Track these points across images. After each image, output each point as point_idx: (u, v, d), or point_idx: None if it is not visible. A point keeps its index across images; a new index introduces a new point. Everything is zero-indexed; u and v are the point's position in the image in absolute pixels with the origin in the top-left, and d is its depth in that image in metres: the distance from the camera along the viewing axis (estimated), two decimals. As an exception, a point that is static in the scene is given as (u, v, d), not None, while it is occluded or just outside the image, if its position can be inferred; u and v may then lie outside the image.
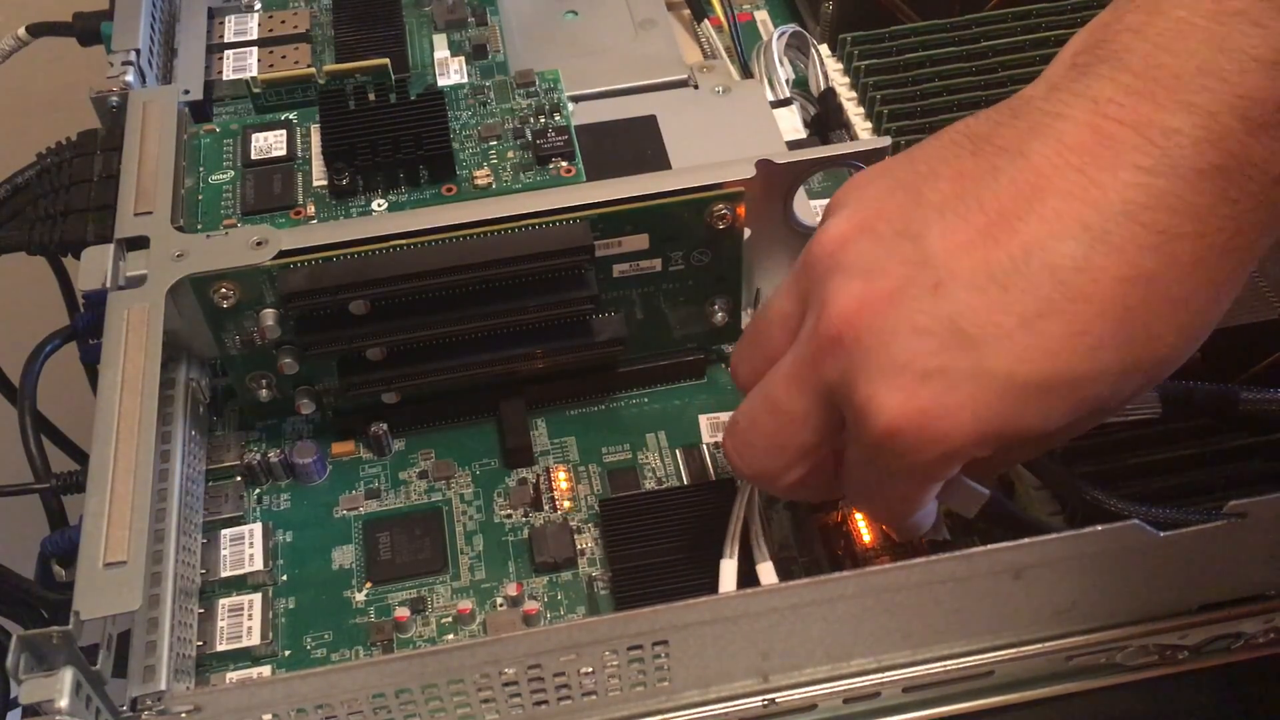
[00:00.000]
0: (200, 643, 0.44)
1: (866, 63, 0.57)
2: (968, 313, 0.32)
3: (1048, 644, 0.41)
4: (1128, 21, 0.32)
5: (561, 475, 0.49)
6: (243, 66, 0.59)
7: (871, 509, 0.41)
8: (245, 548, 0.46)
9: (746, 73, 0.62)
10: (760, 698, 0.40)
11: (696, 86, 0.57)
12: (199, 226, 0.50)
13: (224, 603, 0.45)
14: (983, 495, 0.38)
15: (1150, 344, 0.32)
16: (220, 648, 0.44)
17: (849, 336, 0.33)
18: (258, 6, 0.62)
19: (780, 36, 0.61)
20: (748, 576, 0.43)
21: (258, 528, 0.47)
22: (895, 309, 0.33)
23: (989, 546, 0.37)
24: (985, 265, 0.32)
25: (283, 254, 0.45)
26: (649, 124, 0.54)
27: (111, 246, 0.46)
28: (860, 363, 0.33)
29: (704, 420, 0.50)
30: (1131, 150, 0.31)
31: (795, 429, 0.36)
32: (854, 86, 0.58)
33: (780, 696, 0.40)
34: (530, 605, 0.44)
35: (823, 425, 0.36)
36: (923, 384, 0.32)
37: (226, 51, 0.59)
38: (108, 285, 0.45)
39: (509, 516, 0.48)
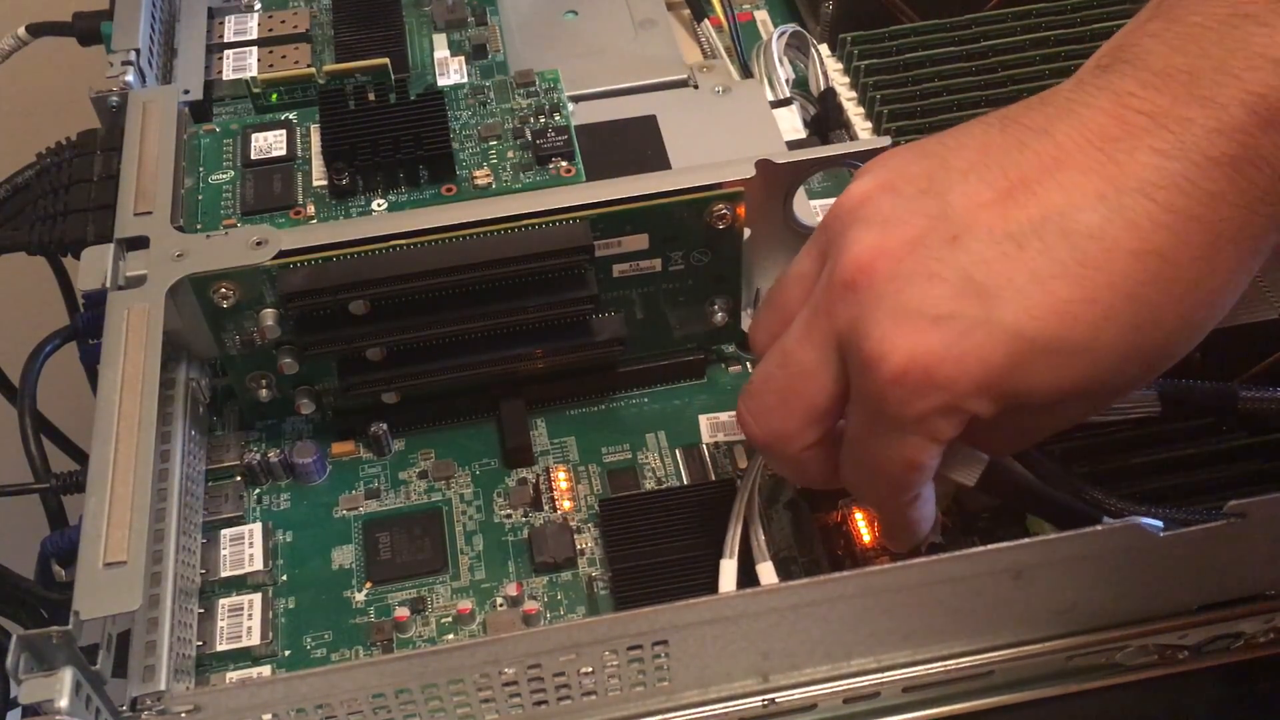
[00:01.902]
0: (200, 643, 0.44)
1: (866, 63, 0.57)
2: (982, 265, 0.33)
3: (1048, 644, 0.41)
4: (1149, 28, 0.34)
5: (561, 475, 0.49)
6: (243, 66, 0.59)
7: (873, 487, 0.39)
8: (245, 548, 0.46)
9: (746, 73, 0.62)
10: (760, 698, 0.40)
11: (696, 86, 0.57)
12: (199, 226, 0.50)
13: (224, 603, 0.45)
14: (982, 460, 0.38)
15: (1156, 327, 0.33)
16: (220, 648, 0.44)
17: (863, 282, 0.34)
18: (258, 6, 0.62)
19: (780, 36, 0.61)
20: (748, 576, 0.43)
21: (258, 528, 0.47)
22: (911, 256, 0.34)
23: (989, 546, 0.37)
24: (1003, 223, 0.33)
25: (283, 254, 0.45)
26: (649, 124, 0.54)
27: (111, 246, 0.46)
28: (872, 307, 0.34)
29: (704, 420, 0.50)
30: (1148, 135, 0.32)
31: (806, 382, 0.36)
32: (854, 86, 0.58)
33: (780, 696, 0.40)
34: (530, 605, 0.44)
35: (833, 378, 0.36)
36: (933, 327, 0.33)
37: (226, 51, 0.59)
38: (108, 285, 0.45)
39: (509, 516, 0.48)
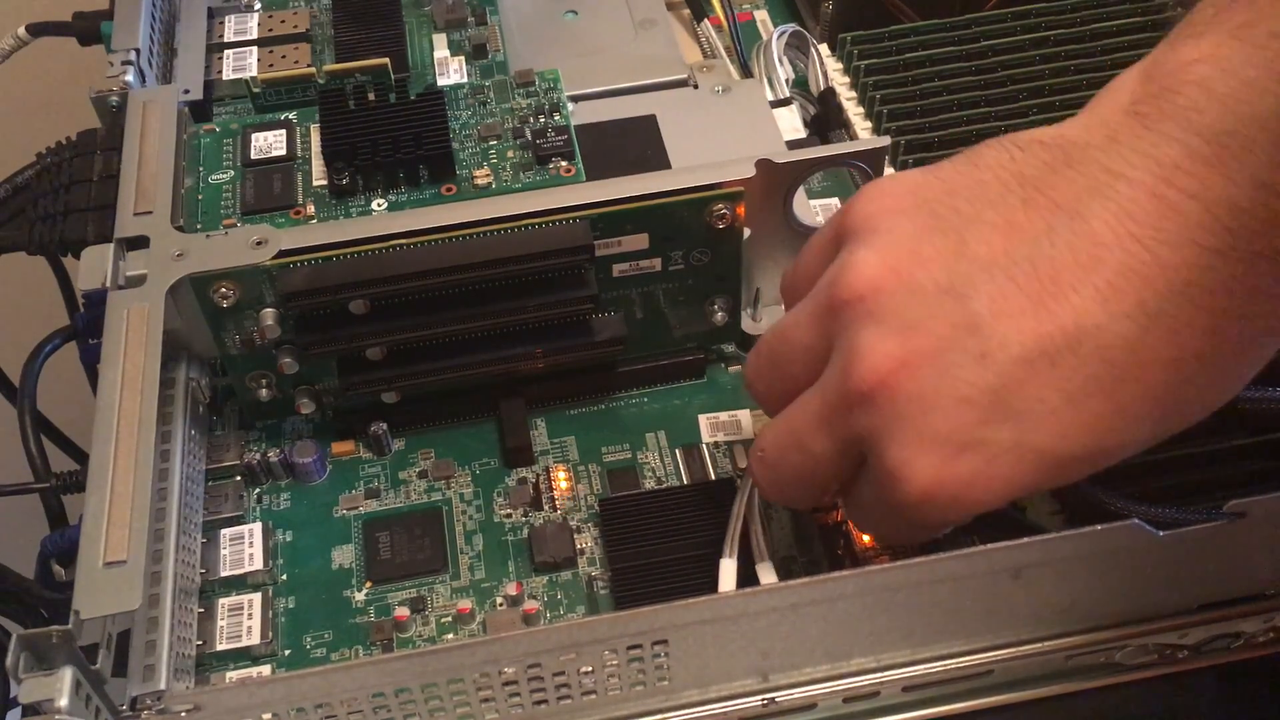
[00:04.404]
0: (200, 642, 0.44)
1: (866, 62, 0.57)
2: (1014, 386, 0.31)
3: (1047, 644, 0.41)
4: (1195, 74, 0.30)
5: (561, 475, 0.49)
6: (243, 66, 0.59)
7: (874, 534, 0.41)
8: (245, 547, 0.46)
9: (746, 72, 0.62)
10: (760, 697, 0.40)
11: (696, 86, 0.57)
12: (199, 226, 0.50)
13: (224, 602, 0.45)
14: None
15: (1183, 416, 0.32)
16: (220, 647, 0.44)
17: (883, 395, 0.32)
18: (258, 6, 0.62)
19: (780, 36, 0.61)
20: (747, 576, 0.43)
21: (258, 527, 0.47)
22: (937, 375, 0.32)
23: (989, 546, 0.37)
24: (1035, 339, 0.31)
25: (282, 254, 0.45)
26: (649, 124, 0.54)
27: (111, 246, 0.46)
28: (895, 425, 0.32)
29: (704, 420, 0.50)
30: (1196, 228, 0.29)
31: (820, 467, 0.36)
32: (854, 86, 0.58)
33: (780, 696, 0.40)
34: (530, 605, 0.44)
35: (847, 466, 0.36)
36: (960, 454, 0.32)
37: (226, 51, 0.59)
38: (108, 285, 0.45)
39: (509, 516, 0.48)
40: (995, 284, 0.31)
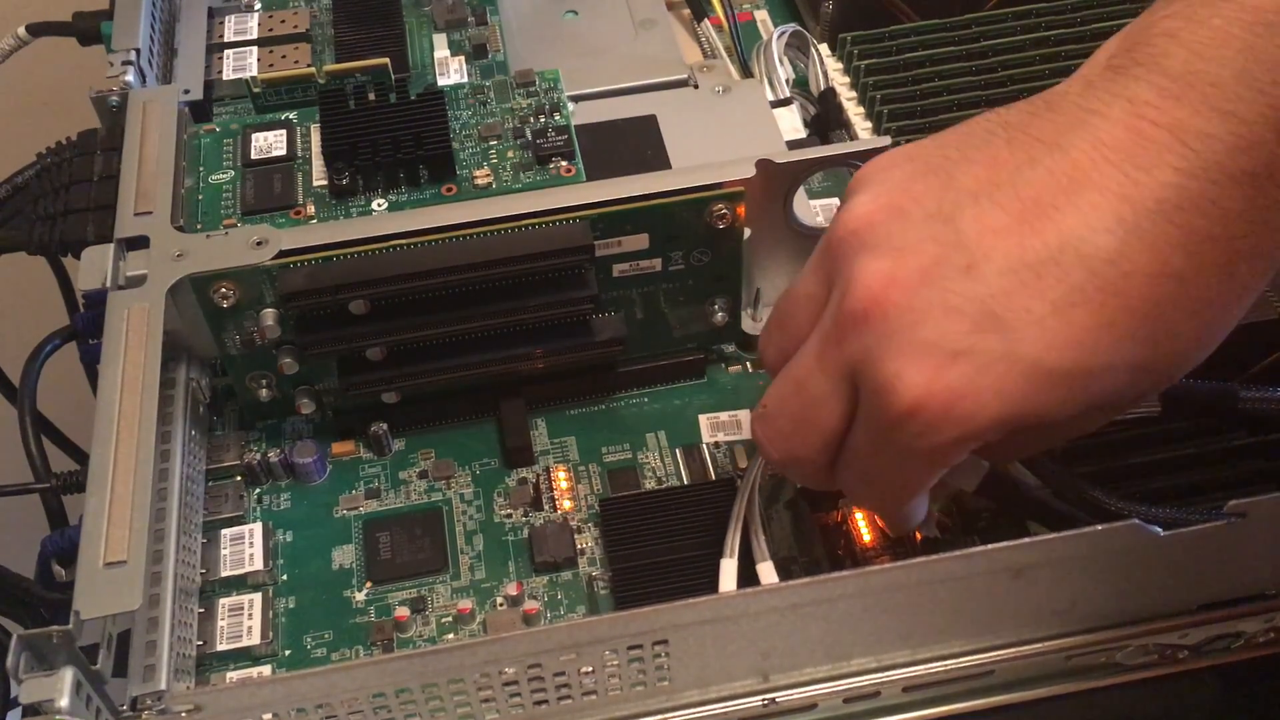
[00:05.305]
0: (200, 642, 0.44)
1: (866, 62, 0.57)
2: (1000, 296, 0.32)
3: (1048, 644, 0.41)
4: (1164, 26, 0.32)
5: (561, 475, 0.49)
6: (243, 66, 0.59)
7: (869, 494, 0.40)
8: (245, 547, 0.46)
9: (746, 72, 0.62)
10: (760, 697, 0.40)
11: (696, 86, 0.57)
12: (199, 226, 0.50)
13: (224, 602, 0.45)
14: (983, 467, 0.38)
15: (1171, 343, 0.33)
16: (220, 647, 0.44)
17: (875, 313, 0.33)
18: (258, 6, 0.62)
19: (780, 36, 0.61)
20: (748, 576, 0.43)
21: (258, 527, 0.47)
22: (926, 287, 0.33)
23: (989, 546, 0.37)
24: (1020, 251, 0.32)
25: (283, 254, 0.45)
26: (649, 124, 0.54)
27: (111, 246, 0.46)
28: (886, 339, 0.33)
29: (704, 420, 0.50)
30: (1167, 152, 0.31)
31: (819, 409, 0.36)
32: (854, 86, 0.58)
33: (780, 696, 0.40)
34: (530, 605, 0.44)
35: (845, 406, 0.36)
36: (951, 363, 0.32)
37: (226, 51, 0.59)
38: (108, 285, 0.45)
39: (509, 516, 0.48)
40: (980, 207, 0.33)
